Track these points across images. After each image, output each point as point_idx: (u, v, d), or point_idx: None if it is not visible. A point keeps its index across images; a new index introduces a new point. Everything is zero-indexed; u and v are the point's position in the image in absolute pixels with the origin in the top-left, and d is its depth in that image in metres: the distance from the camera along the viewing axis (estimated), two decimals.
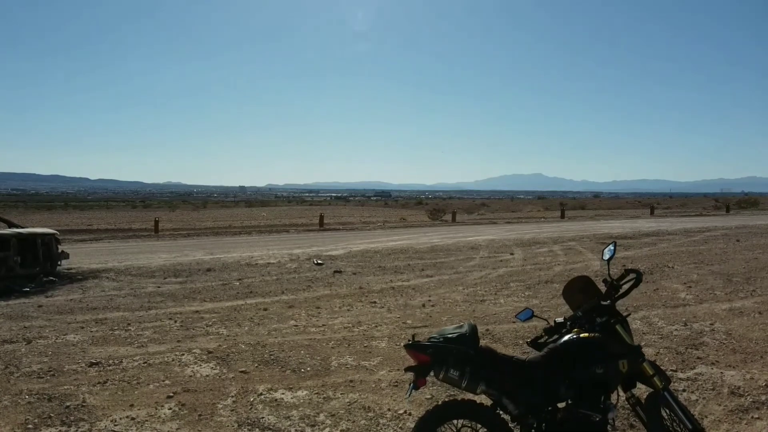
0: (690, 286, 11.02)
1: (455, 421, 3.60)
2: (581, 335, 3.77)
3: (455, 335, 3.64)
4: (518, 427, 3.71)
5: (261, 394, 5.63)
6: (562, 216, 41.68)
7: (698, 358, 6.61)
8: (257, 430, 4.82)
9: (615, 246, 3.90)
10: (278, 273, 13.29)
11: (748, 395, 5.42)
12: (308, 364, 6.58)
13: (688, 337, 7.39)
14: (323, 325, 8.43)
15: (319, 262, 14.66)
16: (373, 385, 5.89)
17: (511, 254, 16.15)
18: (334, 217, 41.56)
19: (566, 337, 3.79)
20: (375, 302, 10.09)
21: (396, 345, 7.26)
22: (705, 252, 16.09)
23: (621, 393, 3.88)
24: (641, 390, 3.87)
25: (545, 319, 4.33)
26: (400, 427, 4.86)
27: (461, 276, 12.68)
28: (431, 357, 3.54)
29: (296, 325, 8.40)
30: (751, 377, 5.92)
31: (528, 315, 4.35)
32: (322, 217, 32.22)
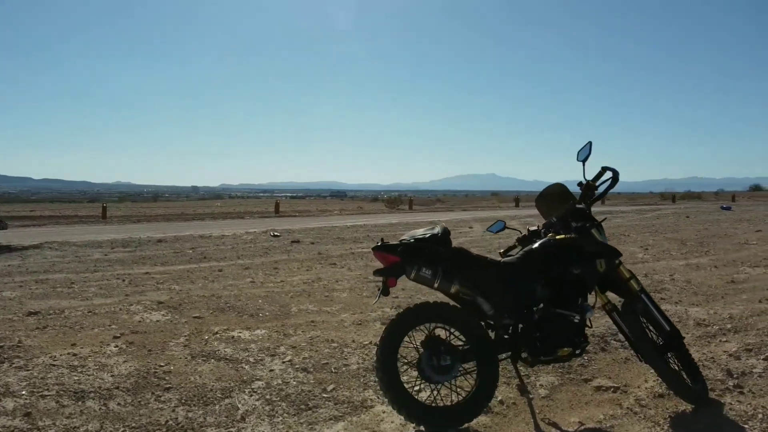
0: (647, 249, 11.18)
1: (427, 325, 3.39)
2: (557, 237, 3.61)
3: (427, 235, 3.43)
4: (493, 328, 3.54)
5: (217, 333, 5.30)
6: (517, 205, 42.34)
7: (662, 299, 6.62)
8: (213, 360, 4.50)
9: (591, 146, 3.74)
10: (233, 243, 12.83)
11: (714, 325, 5.44)
12: (267, 310, 6.27)
13: (649, 285, 7.40)
14: (281, 281, 8.11)
15: (276, 234, 14.26)
16: (336, 324, 5.64)
17: (470, 227, 16.11)
18: (291, 206, 40.92)
19: (542, 240, 3.63)
20: (335, 264, 9.82)
21: (358, 295, 7.02)
22: (658, 225, 16.44)
23: (597, 296, 3.74)
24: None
25: (518, 230, 4.17)
26: (366, 354, 4.63)
27: None
28: (402, 256, 3.32)
29: (253, 282, 8.05)
30: (714, 312, 5.96)
31: (500, 226, 4.18)
32: (278, 204, 31.64)
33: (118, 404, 3.59)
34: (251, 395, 3.78)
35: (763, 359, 4.36)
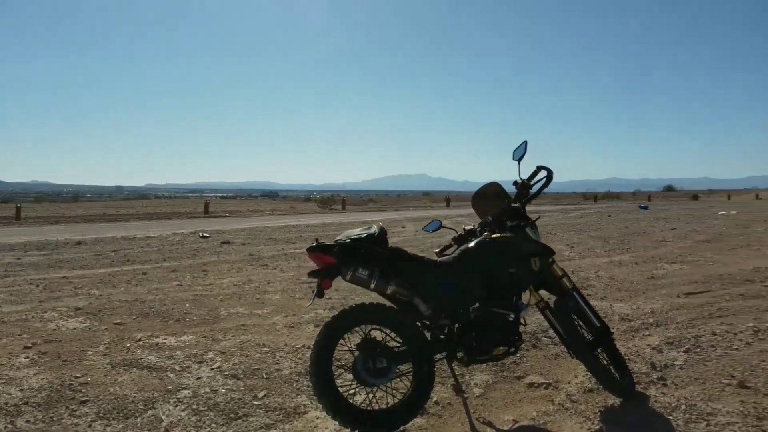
0: (573, 247, 11.55)
1: (363, 327, 3.31)
2: (493, 236, 3.61)
3: (364, 235, 3.35)
4: (429, 328, 3.50)
5: (140, 340, 5.03)
6: (448, 204, 43.04)
7: (589, 295, 6.83)
8: (135, 369, 4.25)
9: (526, 145, 3.77)
10: (159, 245, 12.32)
11: (637, 319, 5.64)
12: (194, 314, 6.01)
13: (576, 282, 7.59)
14: (210, 284, 7.83)
15: (205, 235, 13.81)
16: (268, 328, 5.47)
17: (403, 227, 16.17)
18: (221, 206, 39.91)
19: (478, 239, 3.62)
20: (267, 265, 9.59)
21: (290, 297, 6.86)
22: (582, 224, 17.06)
23: (531, 294, 3.78)
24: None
25: (454, 229, 4.15)
26: (299, 358, 4.50)
27: None
28: (338, 257, 3.22)
29: (180, 285, 7.73)
30: (637, 307, 6.19)
31: (436, 226, 4.15)
32: (207, 204, 30.76)
33: (27, 421, 3.31)
34: (176, 405, 3.58)
35: (683, 351, 4.54)
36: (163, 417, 3.41)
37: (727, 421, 3.25)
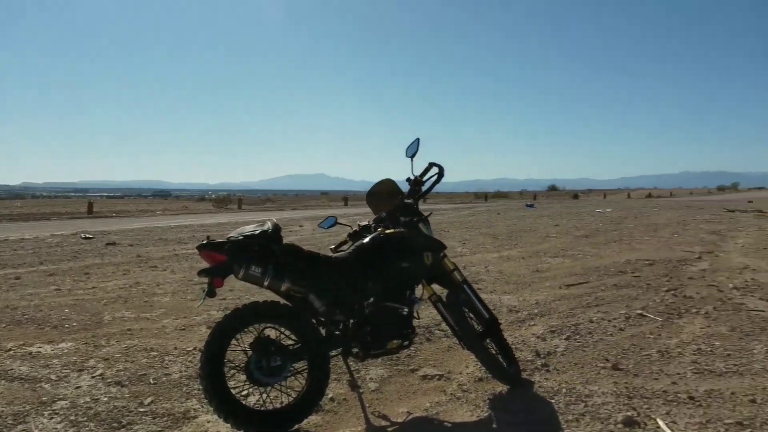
0: (464, 243, 11.97)
1: (257, 326, 3.25)
2: (387, 231, 3.67)
3: (257, 232, 3.29)
4: (324, 325, 3.49)
5: (10, 350, 4.63)
6: (346, 203, 43.23)
7: (478, 289, 7.09)
8: (3, 381, 3.91)
9: (419, 142, 3.86)
10: (35, 247, 11.38)
11: (523, 310, 5.94)
12: (74, 320, 5.62)
13: (468, 276, 7.88)
14: (93, 287, 7.34)
15: (88, 236, 12.92)
16: (156, 332, 5.22)
17: (300, 226, 16.02)
18: (107, 206, 37.55)
19: (372, 235, 3.66)
20: (156, 266, 9.14)
21: (181, 299, 6.59)
22: (473, 221, 17.74)
23: (424, 288, 3.87)
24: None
25: (349, 225, 4.17)
26: (190, 361, 4.33)
27: None
28: (229, 254, 3.14)
29: (59, 289, 7.18)
30: (523, 299, 6.52)
31: (331, 222, 4.15)
32: (91, 204, 28.84)
33: None
34: (52, 418, 3.32)
35: (564, 339, 4.84)
36: (35, 431, 3.15)
37: (602, 401, 3.50)
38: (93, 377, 4.01)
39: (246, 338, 3.20)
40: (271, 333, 3.31)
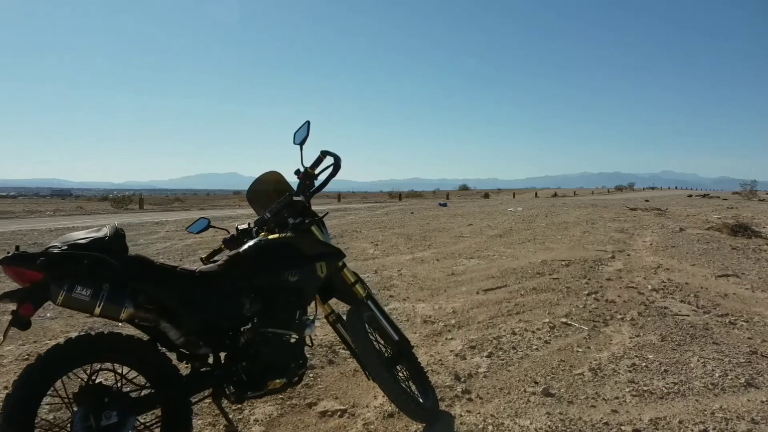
0: (377, 245, 11.30)
1: (85, 368, 2.39)
2: (270, 236, 2.87)
3: (87, 240, 2.41)
4: (188, 360, 2.66)
5: None
6: None
7: (391, 296, 6.45)
8: None
9: (309, 126, 3.09)
10: None
11: (439, 321, 5.32)
12: None
13: (379, 282, 7.25)
14: None
15: None
16: None
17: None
18: None
19: (252, 241, 2.84)
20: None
21: (39, 317, 5.46)
22: (387, 221, 17.14)
23: (319, 307, 3.12)
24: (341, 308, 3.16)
25: (225, 229, 3.34)
26: None
27: (141, 248, 10.90)
28: (46, 270, 2.25)
29: None
30: (439, 307, 5.90)
31: (203, 225, 3.29)
32: None
33: None
34: None
35: (486, 356, 4.24)
36: None
37: None
38: None
39: (72, 385, 2.33)
40: (109, 377, 2.46)
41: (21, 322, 2.25)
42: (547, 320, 5.16)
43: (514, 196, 60.22)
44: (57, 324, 5.15)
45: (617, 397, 3.42)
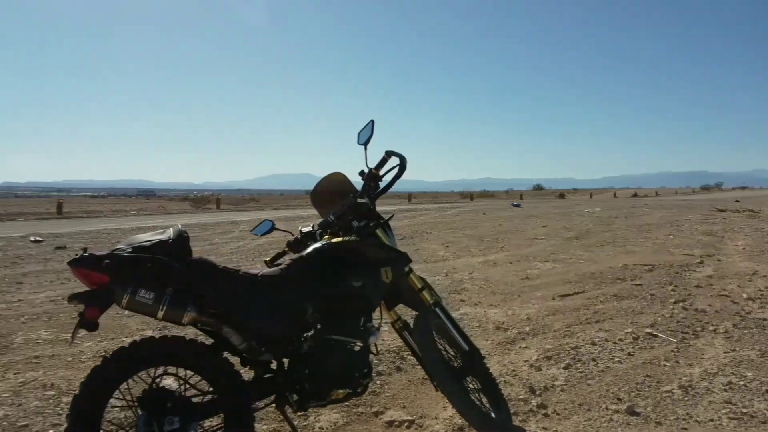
0: (448, 246, 11.11)
1: (150, 371, 2.37)
2: (333, 240, 2.78)
3: (151, 243, 2.39)
4: (251, 366, 2.61)
5: None
6: None
7: (462, 300, 6.26)
8: None
9: (373, 125, 2.97)
10: None
11: (513, 328, 5.09)
12: None
13: (449, 285, 7.08)
14: (20, 300, 6.37)
15: (38, 239, 11.85)
16: (70, 359, 4.30)
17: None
18: (82, 206, 36.24)
19: (315, 245, 2.76)
20: None
21: (118, 314, 5.64)
22: (458, 222, 16.90)
23: (384, 313, 3.00)
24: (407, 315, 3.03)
25: (289, 232, 3.28)
26: None
27: (216, 247, 11.22)
28: (111, 273, 2.24)
29: None
30: (513, 313, 5.66)
31: (268, 227, 3.26)
32: (60, 204, 27.64)
33: None
34: None
35: (563, 368, 3.99)
36: None
37: None
38: None
39: (138, 388, 2.33)
40: (172, 381, 2.44)
41: (88, 324, 2.25)
42: (630, 330, 4.83)
43: (591, 197, 58.21)
44: (133, 321, 5.29)
45: (712, 420, 3.10)
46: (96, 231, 14.11)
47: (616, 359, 4.13)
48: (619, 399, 3.41)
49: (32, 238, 11.86)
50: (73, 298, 2.27)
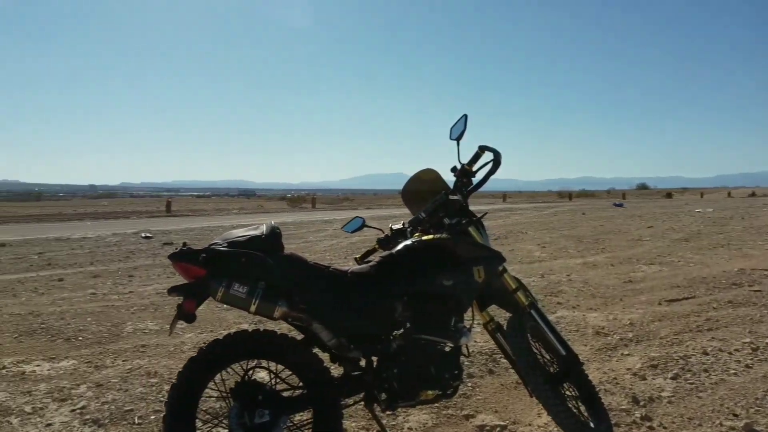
0: (544, 247, 10.73)
1: (241, 364, 2.41)
2: (424, 237, 2.70)
3: (246, 238, 2.43)
4: (340, 362, 2.60)
5: (4, 368, 4.04)
6: None
7: (558, 303, 5.99)
8: None
9: (466, 120, 2.87)
10: (93, 247, 11.20)
11: (614, 333, 4.81)
12: (91, 331, 5.03)
13: (546, 287, 6.81)
14: (130, 292, 6.81)
15: (148, 235, 12.68)
16: (172, 349, 4.52)
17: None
18: (188, 205, 38.50)
19: (405, 242, 2.70)
20: None
21: (216, 308, 5.87)
22: (555, 222, 16.32)
23: (476, 314, 2.89)
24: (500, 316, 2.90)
25: (380, 228, 3.24)
26: None
27: (310, 245, 11.49)
28: (207, 267, 2.30)
29: (94, 294, 6.70)
30: (614, 317, 5.35)
31: (358, 224, 3.23)
32: (169, 203, 29.50)
33: None
34: None
35: (670, 378, 3.70)
36: None
37: None
38: (72, 411, 3.29)
39: (232, 380, 2.38)
40: (264, 374, 2.47)
41: (186, 315, 2.32)
42: (747, 340, 4.41)
43: (701, 196, 54.54)
44: (230, 315, 5.48)
45: None
46: (200, 228, 14.88)
47: (732, 371, 3.78)
48: (735, 415, 3.10)
49: (143, 235, 12.71)
50: (173, 290, 2.35)
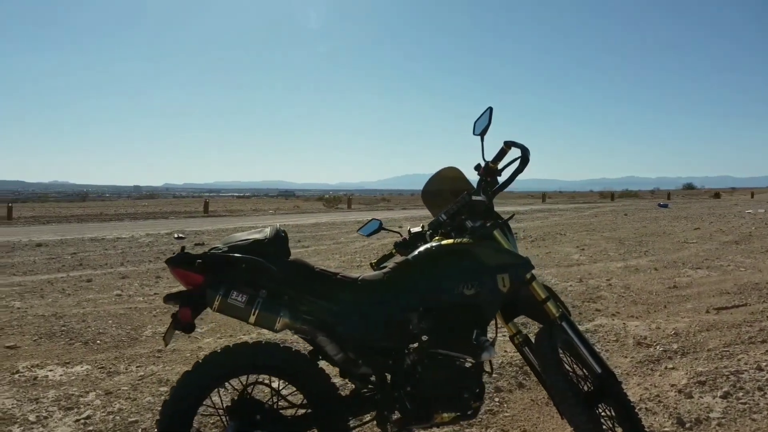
0: (583, 249, 10.30)
1: (240, 379, 2.22)
2: (444, 242, 2.45)
3: (248, 242, 2.23)
4: (350, 378, 2.37)
5: (17, 372, 3.95)
6: None
7: (597, 310, 5.64)
8: None
9: (491, 113, 2.60)
10: (126, 247, 11.26)
11: (657, 344, 4.46)
12: (109, 334, 4.93)
13: (584, 292, 6.45)
14: (155, 294, 6.73)
15: (181, 236, 12.72)
16: (188, 355, 4.37)
17: (399, 227, 14.95)
18: (227, 205, 38.91)
19: (423, 247, 2.45)
20: None
21: None
22: (596, 223, 15.77)
23: (501, 326, 2.62)
24: (528, 327, 2.63)
25: (397, 231, 3.01)
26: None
27: (341, 246, 11.32)
28: (205, 273, 2.11)
29: (120, 295, 6.64)
30: (657, 326, 4.98)
31: (375, 227, 3.00)
32: (207, 203, 29.81)
33: None
34: None
35: (720, 397, 3.35)
36: None
37: None
38: (76, 421, 3.16)
39: (229, 396, 2.19)
40: (265, 391, 2.27)
41: (183, 325, 2.15)
42: None
43: (752, 196, 52.50)
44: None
45: None
46: (233, 228, 14.88)
47: None
48: None
49: (176, 235, 12.75)
50: (169, 298, 2.18)
